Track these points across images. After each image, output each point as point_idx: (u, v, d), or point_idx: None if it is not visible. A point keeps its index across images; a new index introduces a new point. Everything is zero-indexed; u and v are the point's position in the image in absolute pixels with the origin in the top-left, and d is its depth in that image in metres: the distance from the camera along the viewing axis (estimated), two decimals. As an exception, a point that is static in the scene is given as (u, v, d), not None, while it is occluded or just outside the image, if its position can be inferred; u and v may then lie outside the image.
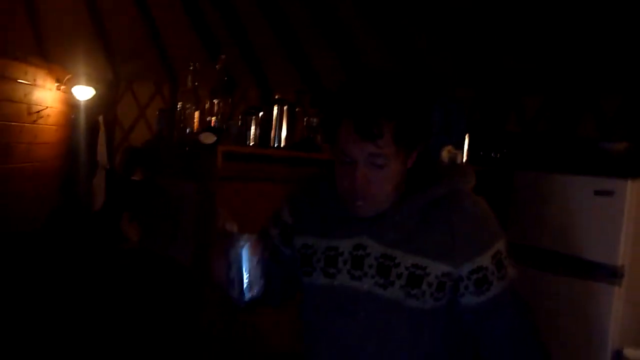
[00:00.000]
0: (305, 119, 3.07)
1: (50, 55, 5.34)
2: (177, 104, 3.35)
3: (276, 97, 3.15)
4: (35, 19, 5.23)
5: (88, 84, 5.41)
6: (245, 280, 1.32)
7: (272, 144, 2.98)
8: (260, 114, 3.00)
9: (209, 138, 2.89)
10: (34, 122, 5.18)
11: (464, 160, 3.19)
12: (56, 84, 5.41)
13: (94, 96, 5.49)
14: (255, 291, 1.34)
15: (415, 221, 1.30)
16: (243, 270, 1.32)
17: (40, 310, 3.94)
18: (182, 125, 3.23)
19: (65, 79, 5.38)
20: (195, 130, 3.16)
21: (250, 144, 2.96)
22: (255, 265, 1.33)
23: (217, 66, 3.23)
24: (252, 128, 2.97)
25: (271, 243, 1.49)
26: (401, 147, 1.25)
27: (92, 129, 5.59)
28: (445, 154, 2.96)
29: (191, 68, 3.29)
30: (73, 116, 5.57)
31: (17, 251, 4.36)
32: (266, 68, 5.34)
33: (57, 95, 5.42)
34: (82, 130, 5.53)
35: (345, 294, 1.32)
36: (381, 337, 1.29)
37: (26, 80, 5.04)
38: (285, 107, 2.96)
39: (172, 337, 3.16)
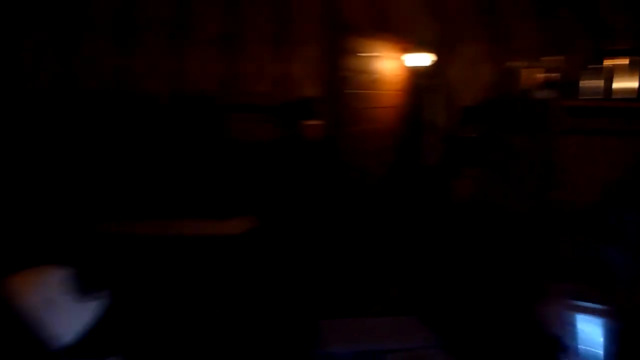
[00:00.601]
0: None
1: (390, 29, 5.95)
2: (511, 62, 3.50)
3: (617, 48, 3.07)
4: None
5: (424, 51, 5.86)
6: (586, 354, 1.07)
7: (613, 97, 2.94)
8: (601, 66, 2.97)
9: (546, 93, 2.99)
10: (378, 89, 5.85)
11: None
12: (396, 54, 5.98)
13: (429, 62, 5.91)
14: None
15: None
16: (585, 341, 1.09)
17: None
18: (518, 82, 3.37)
19: (404, 48, 5.92)
20: (531, 87, 3.27)
21: (590, 98, 2.96)
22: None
23: (551, 22, 3.27)
24: (591, 81, 2.97)
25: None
26: None
27: (428, 92, 6.03)
28: None
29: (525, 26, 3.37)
30: (411, 81, 6.09)
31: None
32: (601, 20, 5.05)
33: (397, 64, 6.00)
34: (419, 94, 6.02)
35: None
36: None
37: (371, 53, 5.72)
38: (629, 58, 2.88)
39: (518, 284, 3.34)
